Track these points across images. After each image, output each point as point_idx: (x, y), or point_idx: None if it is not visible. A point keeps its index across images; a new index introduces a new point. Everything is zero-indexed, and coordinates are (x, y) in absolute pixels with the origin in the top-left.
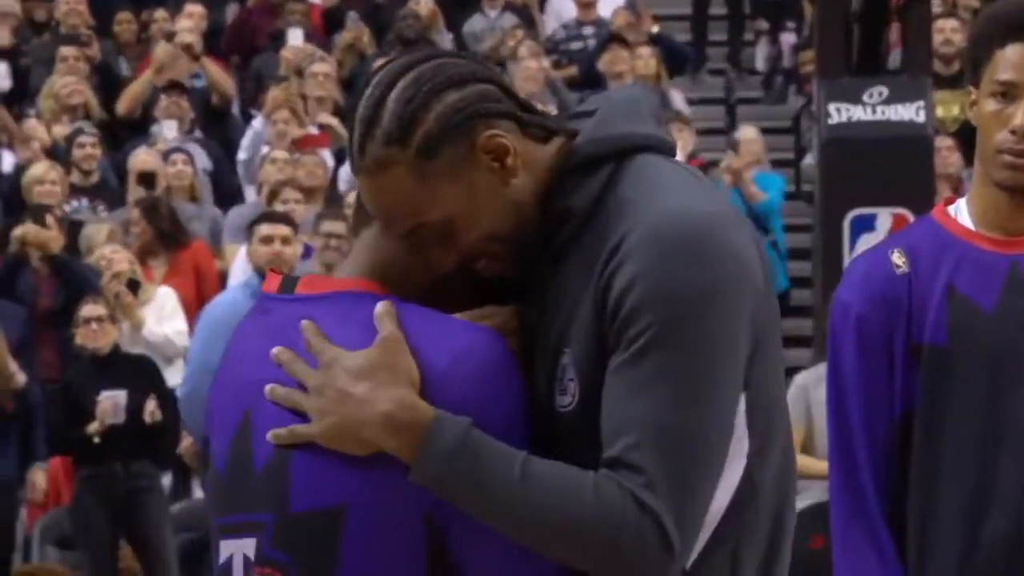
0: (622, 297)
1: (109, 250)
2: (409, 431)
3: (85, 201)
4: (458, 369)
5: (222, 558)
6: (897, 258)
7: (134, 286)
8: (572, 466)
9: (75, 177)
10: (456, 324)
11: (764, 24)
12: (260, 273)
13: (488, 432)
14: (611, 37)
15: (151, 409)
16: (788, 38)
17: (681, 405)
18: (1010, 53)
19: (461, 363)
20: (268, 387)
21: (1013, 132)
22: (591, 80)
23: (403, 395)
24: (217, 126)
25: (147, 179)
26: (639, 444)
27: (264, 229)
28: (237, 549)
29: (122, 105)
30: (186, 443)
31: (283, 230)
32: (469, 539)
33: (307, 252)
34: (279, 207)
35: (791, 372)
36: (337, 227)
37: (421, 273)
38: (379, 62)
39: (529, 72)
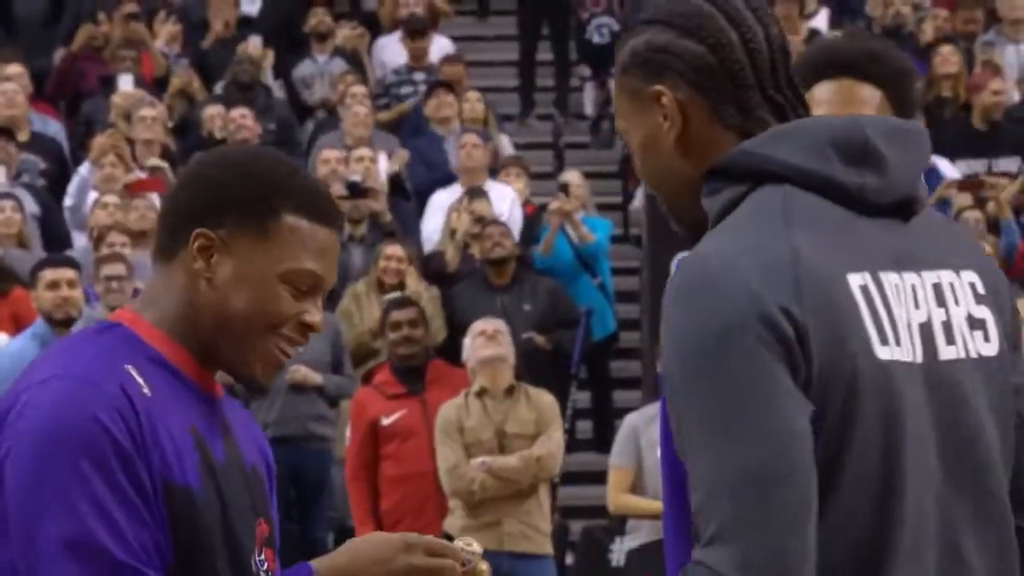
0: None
1: None
2: None
3: None
4: (17, 399)
5: None
6: None
7: None
8: None
9: None
10: (47, 368)
11: (587, 70)
12: (48, 320)
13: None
14: (438, 83)
15: None
16: None
17: (715, 452)
18: (818, 92)
19: (20, 395)
20: None
21: None
22: (421, 125)
23: None
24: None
25: None
26: (699, 506)
27: (49, 275)
28: None
29: None
30: None
31: (68, 274)
32: None
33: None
34: (105, 251)
35: (621, 413)
36: (118, 269)
37: (180, 286)
38: None
39: (358, 118)
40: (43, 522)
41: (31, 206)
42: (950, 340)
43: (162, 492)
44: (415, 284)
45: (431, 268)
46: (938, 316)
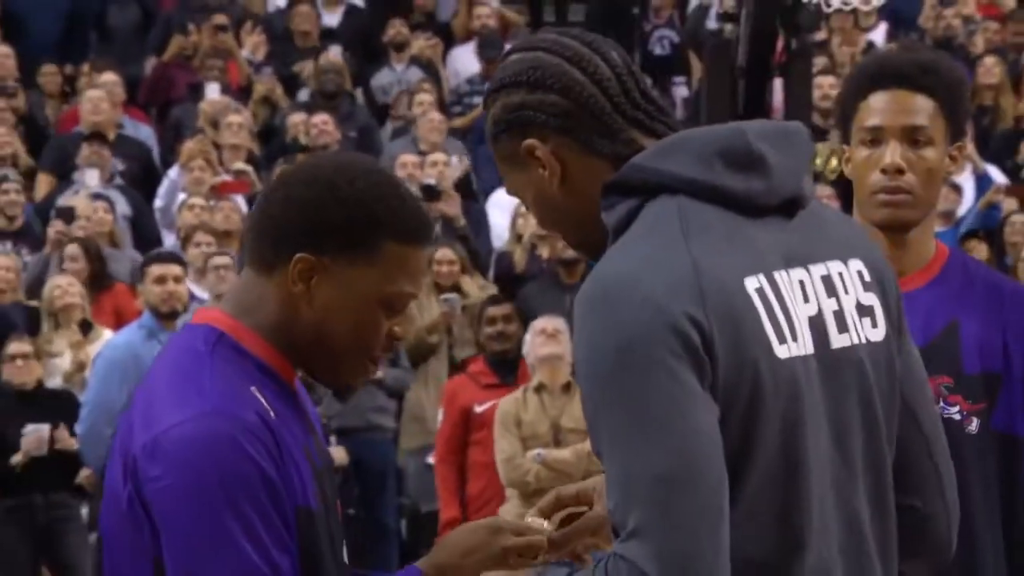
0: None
1: (65, 281)
2: None
3: (9, 245)
4: (165, 436)
5: None
6: None
7: (86, 327)
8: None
9: None
10: (185, 399)
11: (648, 80)
12: (155, 313)
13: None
14: None
15: (64, 438)
16: (680, 91)
17: (631, 455)
18: (873, 101)
19: (168, 432)
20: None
21: (884, 171)
22: None
23: None
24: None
25: (66, 214)
26: (616, 504)
27: (156, 269)
28: None
29: None
30: (86, 473)
31: (175, 269)
32: None
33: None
34: (192, 251)
35: None
36: (224, 260)
37: (279, 302)
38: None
39: (432, 124)
40: (211, 564)
41: (123, 207)
42: (842, 328)
43: (293, 516)
44: (470, 285)
45: (500, 268)
46: (829, 307)
